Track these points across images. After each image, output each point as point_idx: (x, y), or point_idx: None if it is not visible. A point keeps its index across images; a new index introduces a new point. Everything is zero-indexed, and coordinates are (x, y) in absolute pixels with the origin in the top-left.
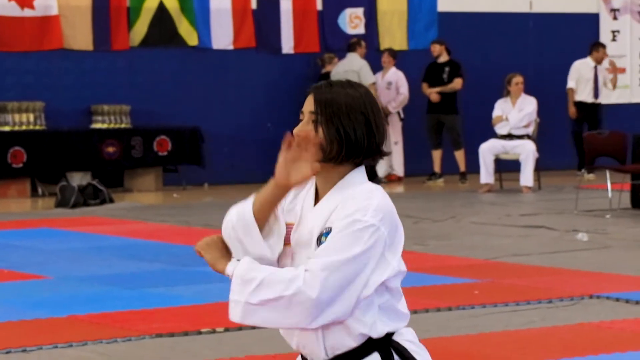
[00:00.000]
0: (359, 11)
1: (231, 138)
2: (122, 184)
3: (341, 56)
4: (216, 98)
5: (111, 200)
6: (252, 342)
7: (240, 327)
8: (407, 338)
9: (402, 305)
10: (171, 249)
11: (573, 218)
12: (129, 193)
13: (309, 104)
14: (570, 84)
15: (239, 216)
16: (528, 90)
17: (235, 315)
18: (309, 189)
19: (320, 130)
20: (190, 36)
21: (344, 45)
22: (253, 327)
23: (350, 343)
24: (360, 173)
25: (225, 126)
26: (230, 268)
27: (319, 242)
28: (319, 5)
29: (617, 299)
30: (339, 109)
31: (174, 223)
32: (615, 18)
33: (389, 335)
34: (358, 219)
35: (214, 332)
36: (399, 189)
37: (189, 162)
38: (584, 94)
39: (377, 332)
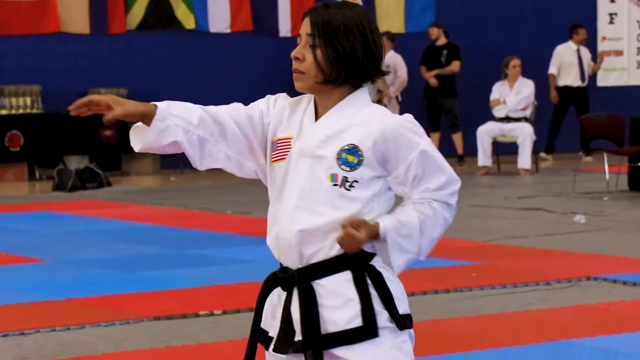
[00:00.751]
0: None
1: None
2: (119, 167)
3: None
4: (213, 82)
5: (109, 184)
6: (250, 324)
7: (238, 310)
8: (382, 263)
9: None
10: (169, 232)
11: (570, 200)
12: (126, 176)
13: (305, 26)
14: (552, 69)
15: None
16: (525, 74)
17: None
18: (306, 107)
19: (318, 51)
20: (187, 20)
21: None
22: (251, 309)
23: (326, 252)
24: (364, 93)
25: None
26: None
27: (339, 157)
28: None
29: (615, 281)
30: (336, 29)
31: (171, 206)
32: (612, 1)
33: (367, 256)
34: (417, 142)
35: (211, 314)
36: None
37: None
38: (569, 79)
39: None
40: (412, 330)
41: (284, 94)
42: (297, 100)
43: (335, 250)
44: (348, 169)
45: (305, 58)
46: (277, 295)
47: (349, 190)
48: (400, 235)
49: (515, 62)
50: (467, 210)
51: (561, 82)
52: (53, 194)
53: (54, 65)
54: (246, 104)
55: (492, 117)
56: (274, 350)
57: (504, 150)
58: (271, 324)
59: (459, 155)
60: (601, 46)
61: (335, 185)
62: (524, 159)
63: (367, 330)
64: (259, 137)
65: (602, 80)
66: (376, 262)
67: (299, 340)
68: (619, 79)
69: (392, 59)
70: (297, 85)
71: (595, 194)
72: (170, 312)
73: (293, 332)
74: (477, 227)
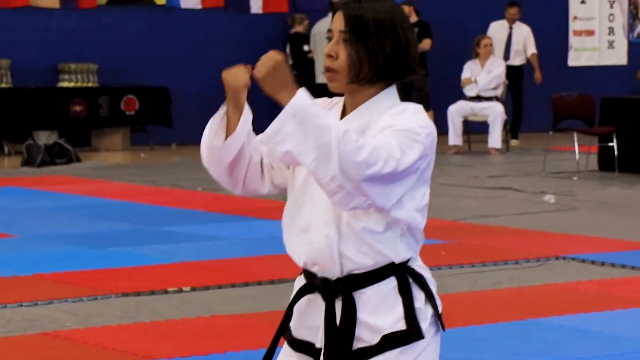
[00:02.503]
0: None
1: (199, 98)
2: (89, 143)
3: (312, 17)
4: (184, 58)
5: (78, 160)
6: (219, 301)
7: (207, 287)
8: (420, 264)
9: (421, 231)
10: (138, 209)
11: (540, 180)
12: (96, 152)
13: (338, 22)
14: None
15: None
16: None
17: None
18: (334, 109)
19: (350, 49)
20: None
21: (314, 5)
22: (220, 286)
23: (367, 262)
24: (390, 93)
25: (193, 86)
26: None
27: None
28: None
29: (583, 260)
30: (367, 27)
31: (141, 183)
32: None
33: (406, 260)
34: (408, 128)
35: (180, 291)
36: None
37: (157, 122)
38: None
39: (400, 256)
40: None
41: (323, 99)
42: (330, 103)
43: (374, 261)
44: None
45: (338, 55)
46: (306, 301)
47: None
48: (312, 110)
49: (487, 41)
50: (437, 188)
51: None
52: (22, 169)
53: (24, 40)
54: (215, 79)
55: (463, 96)
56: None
57: (475, 129)
58: (298, 327)
59: None
60: (572, 25)
61: None
62: (495, 139)
63: (410, 334)
64: None
65: (573, 60)
66: (414, 265)
67: (366, 347)
68: (590, 58)
69: None
70: (331, 85)
71: (565, 174)
72: (139, 288)
73: (339, 342)
74: (447, 206)
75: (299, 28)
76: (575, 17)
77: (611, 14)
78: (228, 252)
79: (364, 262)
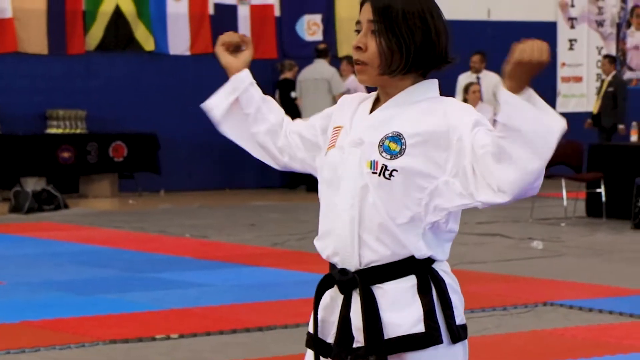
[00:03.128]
0: (317, 18)
1: (187, 144)
2: (77, 189)
3: (299, 63)
4: (173, 104)
5: (66, 206)
6: (207, 348)
7: (195, 334)
8: (444, 269)
9: (450, 232)
10: (126, 255)
11: (528, 226)
12: (84, 199)
13: (366, 12)
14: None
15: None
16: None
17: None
18: (364, 100)
19: (381, 39)
20: (146, 41)
21: (302, 52)
22: (208, 333)
23: (385, 252)
24: (430, 84)
25: (182, 132)
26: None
27: (382, 144)
28: (277, 12)
29: (571, 307)
30: (397, 15)
31: (129, 229)
32: (572, 27)
33: (429, 260)
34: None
35: (168, 338)
36: None
37: (145, 168)
38: None
39: (420, 251)
40: (466, 341)
41: (356, 94)
42: (361, 97)
43: (394, 254)
44: (389, 157)
45: (367, 47)
46: (330, 298)
47: (388, 179)
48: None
49: (475, 87)
50: None
51: None
52: (9, 216)
53: (12, 86)
54: (204, 127)
55: None
56: (333, 357)
57: None
58: (323, 327)
59: None
60: (560, 72)
61: (373, 173)
62: None
63: (429, 337)
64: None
65: (561, 106)
66: (438, 268)
67: (358, 347)
68: (578, 105)
69: (353, 82)
70: (360, 78)
71: (553, 220)
72: (127, 335)
73: (351, 338)
74: None
75: (288, 74)
76: (563, 64)
77: (599, 60)
78: (216, 299)
79: (382, 251)
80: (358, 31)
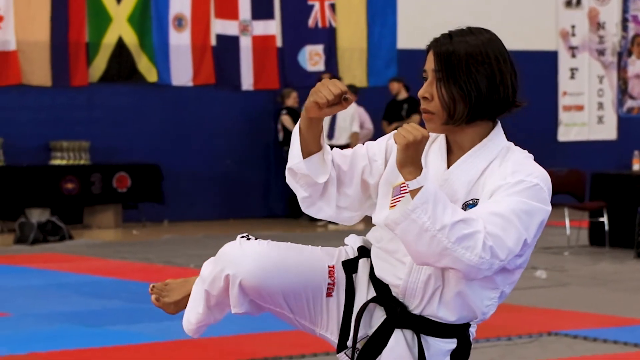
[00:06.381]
0: (319, 48)
1: (191, 174)
2: (81, 220)
3: (301, 93)
4: (176, 134)
5: (70, 237)
6: None
7: None
8: (471, 330)
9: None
10: (131, 286)
11: (532, 255)
12: (88, 230)
13: (430, 61)
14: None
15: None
16: None
17: (406, 230)
18: (435, 145)
19: (443, 88)
20: (149, 72)
21: (304, 82)
22: None
23: (448, 315)
24: (499, 133)
25: (185, 163)
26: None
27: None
28: (279, 42)
29: (575, 336)
30: (459, 63)
31: (133, 260)
32: (573, 56)
33: (468, 324)
34: (522, 179)
35: None
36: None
37: (149, 199)
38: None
39: (483, 316)
40: None
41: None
42: (431, 138)
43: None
44: None
45: (433, 96)
46: (362, 319)
47: None
48: (438, 194)
49: None
50: None
51: None
52: (14, 247)
53: (16, 118)
54: (208, 157)
55: None
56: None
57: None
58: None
59: None
60: (562, 101)
61: None
62: None
63: None
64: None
65: (563, 135)
66: (472, 327)
67: None
68: (579, 133)
69: (356, 112)
70: (429, 127)
71: (556, 249)
72: None
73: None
74: None
75: (288, 102)
76: (564, 93)
77: (600, 89)
78: (221, 330)
79: (442, 315)
80: (425, 79)
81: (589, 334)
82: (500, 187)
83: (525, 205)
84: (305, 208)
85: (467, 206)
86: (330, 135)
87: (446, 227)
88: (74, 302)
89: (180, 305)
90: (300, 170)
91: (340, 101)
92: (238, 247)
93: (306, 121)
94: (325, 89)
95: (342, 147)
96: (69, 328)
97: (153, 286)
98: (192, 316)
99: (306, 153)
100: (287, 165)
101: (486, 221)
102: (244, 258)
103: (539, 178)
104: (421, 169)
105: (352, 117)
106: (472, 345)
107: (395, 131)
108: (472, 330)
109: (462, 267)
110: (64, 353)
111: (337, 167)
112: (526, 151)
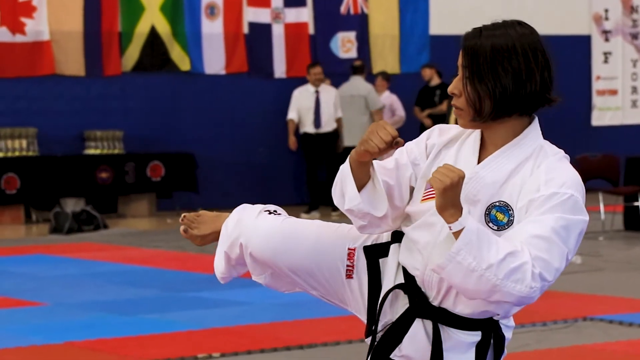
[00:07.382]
0: (351, 35)
1: (224, 163)
2: (115, 209)
3: (334, 80)
4: (209, 123)
5: (105, 226)
6: None
7: (236, 353)
8: (506, 323)
9: None
10: (166, 275)
11: None
12: (122, 219)
13: (460, 56)
14: (290, 115)
15: (340, 172)
16: None
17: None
18: (467, 139)
19: (469, 85)
20: (182, 61)
21: (337, 69)
22: (249, 352)
23: (464, 310)
24: (535, 130)
25: (218, 151)
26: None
27: (488, 213)
28: (311, 30)
29: (611, 321)
30: (485, 59)
31: (168, 249)
32: (607, 40)
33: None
34: (555, 192)
35: (210, 357)
36: None
37: (183, 188)
38: (307, 125)
39: (505, 315)
40: None
41: (439, 129)
42: (463, 134)
43: (473, 311)
44: (495, 227)
45: (461, 93)
46: (388, 304)
47: None
48: (480, 232)
49: None
50: None
51: (302, 129)
52: (50, 237)
53: (50, 108)
54: (240, 145)
55: None
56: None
57: None
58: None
59: None
60: (595, 85)
61: None
62: None
63: None
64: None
65: (597, 120)
66: (503, 323)
67: None
68: (613, 118)
69: (388, 98)
70: (460, 123)
71: (591, 234)
72: (169, 355)
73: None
74: None
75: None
76: (598, 77)
77: (634, 73)
78: (256, 317)
79: (461, 308)
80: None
81: (624, 318)
82: (534, 201)
83: (564, 221)
84: (361, 232)
85: (493, 207)
86: (318, 124)
87: (493, 266)
88: (109, 291)
89: (207, 239)
90: (360, 211)
91: (391, 146)
92: (253, 220)
93: (357, 164)
94: (377, 138)
95: (329, 134)
96: (104, 317)
97: (184, 216)
98: (217, 268)
99: (359, 187)
100: (345, 207)
101: (530, 245)
102: (255, 231)
103: (573, 187)
104: (461, 209)
105: (335, 103)
106: None
107: (433, 174)
108: (507, 322)
109: (513, 299)
110: (99, 342)
111: (385, 184)
112: (562, 151)
